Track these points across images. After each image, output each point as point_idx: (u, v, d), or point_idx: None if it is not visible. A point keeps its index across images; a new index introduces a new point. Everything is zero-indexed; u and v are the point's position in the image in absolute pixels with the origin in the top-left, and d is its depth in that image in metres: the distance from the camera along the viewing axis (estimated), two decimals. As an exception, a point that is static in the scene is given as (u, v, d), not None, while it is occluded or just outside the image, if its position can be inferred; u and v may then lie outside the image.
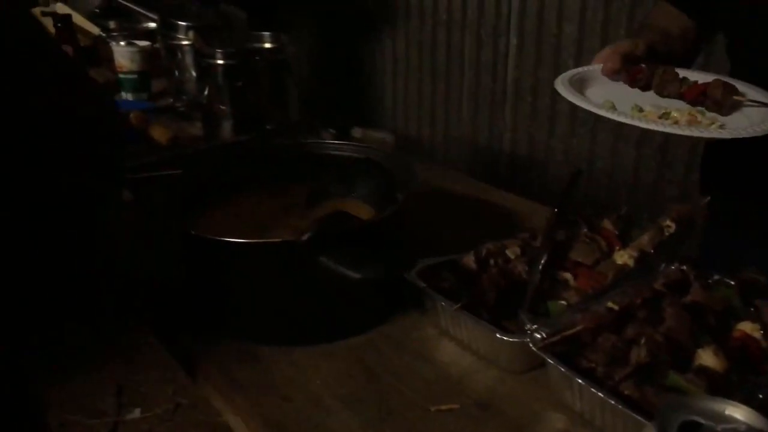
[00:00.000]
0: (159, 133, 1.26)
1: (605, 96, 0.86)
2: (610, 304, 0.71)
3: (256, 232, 0.88)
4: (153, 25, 1.77)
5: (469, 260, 0.82)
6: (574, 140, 1.99)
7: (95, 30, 1.58)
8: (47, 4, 1.88)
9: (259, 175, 0.96)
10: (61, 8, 1.50)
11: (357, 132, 1.25)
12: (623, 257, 0.82)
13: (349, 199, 0.94)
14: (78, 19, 1.62)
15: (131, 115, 1.31)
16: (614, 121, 0.78)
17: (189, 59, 1.44)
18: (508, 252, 0.83)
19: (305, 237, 0.71)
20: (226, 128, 1.31)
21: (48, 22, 1.76)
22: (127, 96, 1.54)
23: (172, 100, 1.46)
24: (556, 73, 2.05)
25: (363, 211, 0.91)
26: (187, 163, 1.03)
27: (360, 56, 2.52)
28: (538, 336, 0.67)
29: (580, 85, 0.89)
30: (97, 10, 1.91)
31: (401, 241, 0.84)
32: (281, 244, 0.75)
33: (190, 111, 1.43)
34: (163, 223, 0.88)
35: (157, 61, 1.60)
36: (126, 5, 1.67)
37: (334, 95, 2.52)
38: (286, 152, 0.99)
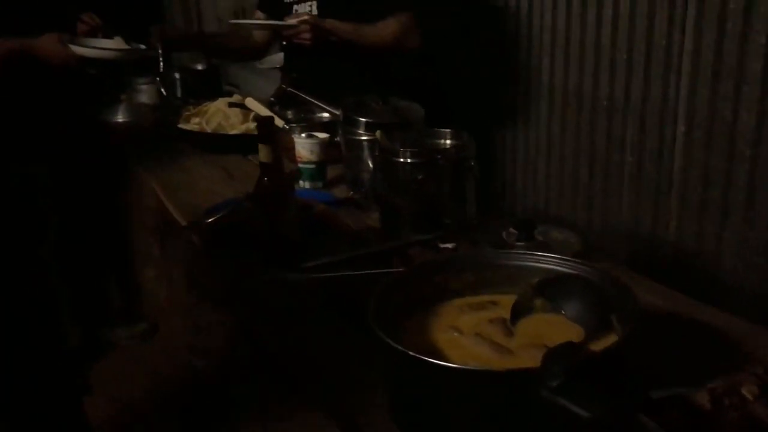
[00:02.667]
0: (344, 228, 1.30)
1: None
2: None
3: (458, 347, 0.87)
4: (326, 115, 1.87)
5: (703, 398, 0.76)
6: (751, 233, 1.86)
7: (280, 123, 1.67)
8: (231, 95, 2.03)
9: (463, 284, 0.96)
10: (251, 103, 1.61)
11: (541, 233, 1.22)
12: None
13: (557, 315, 0.91)
14: (257, 107, 1.73)
15: (317, 209, 1.36)
16: None
17: (367, 153, 1.49)
18: (744, 391, 0.77)
19: (539, 369, 0.69)
20: (406, 223, 1.33)
21: (234, 113, 1.90)
22: (304, 184, 1.61)
23: (352, 192, 1.51)
24: (730, 163, 1.96)
25: (573, 331, 0.88)
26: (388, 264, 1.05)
27: (515, 140, 2.52)
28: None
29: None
30: (272, 99, 2.04)
31: (622, 372, 0.79)
32: (509, 374, 0.73)
33: (367, 203, 1.46)
34: (371, 334, 0.88)
35: (332, 151, 1.67)
36: (304, 97, 1.77)
37: (493, 180, 2.52)
38: (488, 261, 0.98)
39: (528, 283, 0.93)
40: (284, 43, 2.48)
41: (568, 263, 0.93)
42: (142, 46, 2.17)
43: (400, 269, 1.10)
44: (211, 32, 2.52)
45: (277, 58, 2.52)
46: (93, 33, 2.31)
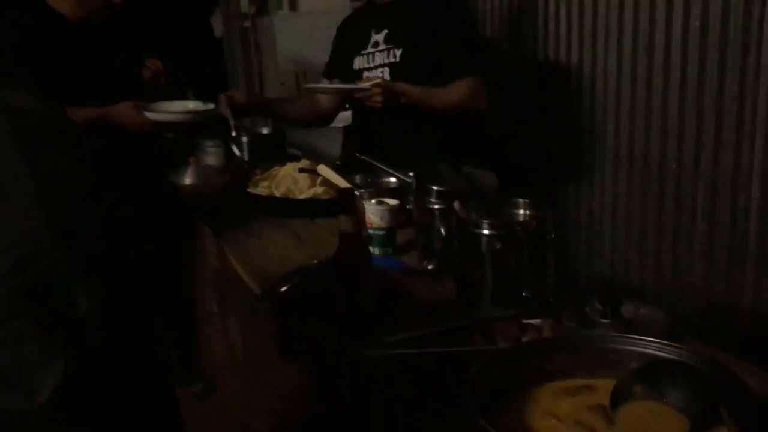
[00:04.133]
0: (422, 300, 1.28)
1: None
2: None
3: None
4: (393, 180, 1.88)
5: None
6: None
7: (344, 184, 1.68)
8: (299, 159, 2.06)
9: (557, 366, 0.93)
10: (323, 170, 1.63)
11: (627, 311, 1.19)
12: None
13: (659, 404, 0.87)
14: (330, 175, 1.74)
15: (393, 279, 1.35)
16: None
17: (440, 221, 1.48)
18: None
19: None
20: (484, 295, 1.30)
21: (302, 178, 1.93)
22: (374, 251, 1.60)
23: (425, 262, 1.50)
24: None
25: (677, 421, 0.84)
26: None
27: (578, 204, 2.49)
28: None
29: None
30: (338, 162, 2.06)
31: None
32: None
33: (441, 273, 1.45)
34: (467, 417, 0.85)
35: (401, 217, 1.67)
36: (376, 165, 1.78)
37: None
38: (584, 344, 0.95)
39: (627, 368, 0.90)
40: (347, 105, 2.53)
41: (670, 348, 0.90)
42: (212, 105, 2.22)
43: (489, 347, 1.08)
44: (277, 98, 2.58)
45: (340, 118, 2.56)
46: (156, 79, 2.39)
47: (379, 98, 1.91)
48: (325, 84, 2.13)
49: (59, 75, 2.15)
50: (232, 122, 2.11)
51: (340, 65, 2.29)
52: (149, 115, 2.10)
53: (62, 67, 2.16)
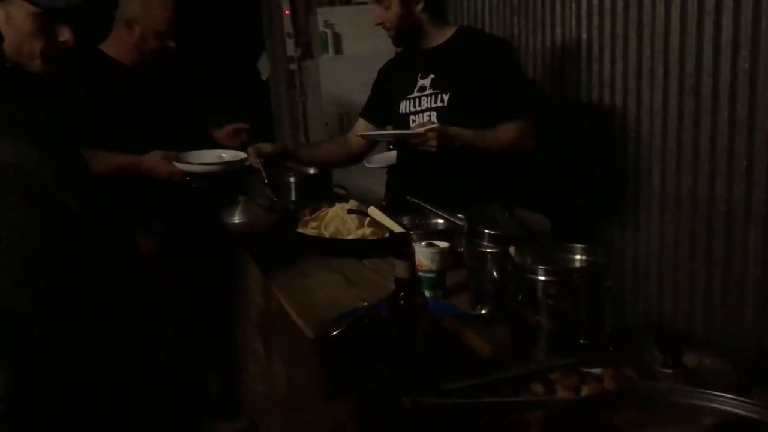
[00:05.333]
0: (478, 346, 1.27)
1: None
2: None
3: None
4: (441, 221, 1.89)
5: None
6: None
7: (398, 228, 1.69)
8: (345, 198, 2.09)
9: (625, 421, 0.91)
10: (374, 213, 1.64)
11: (690, 359, 1.17)
12: None
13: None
14: (381, 218, 1.75)
15: (447, 323, 1.34)
16: None
17: (493, 265, 1.48)
18: None
19: None
20: (540, 341, 1.29)
21: (351, 219, 1.94)
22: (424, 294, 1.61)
23: (478, 306, 1.49)
24: None
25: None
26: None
27: (624, 245, 2.46)
28: None
29: None
30: (384, 203, 2.08)
31: None
32: None
33: (494, 318, 1.44)
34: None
35: (451, 259, 1.67)
36: (422, 205, 1.79)
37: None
38: (655, 397, 0.93)
39: (700, 425, 0.88)
40: (391, 146, 2.56)
41: (744, 404, 0.88)
42: (242, 155, 2.24)
43: (550, 398, 1.06)
44: (304, 144, 2.63)
45: (385, 157, 2.58)
46: (237, 134, 2.44)
47: (434, 142, 1.92)
48: (379, 131, 2.15)
49: (108, 119, 2.22)
50: (264, 173, 2.15)
51: (380, 108, 2.33)
52: (179, 165, 2.13)
53: (112, 111, 2.23)
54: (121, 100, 2.27)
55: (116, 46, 2.31)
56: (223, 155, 2.26)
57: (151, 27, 2.25)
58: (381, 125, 2.30)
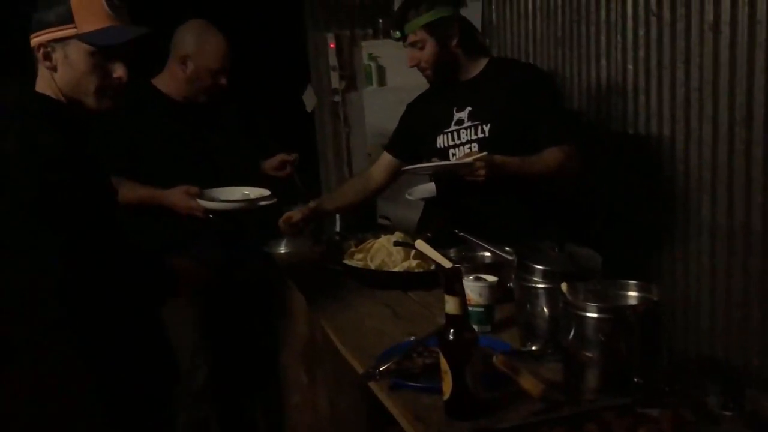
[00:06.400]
0: (530, 384, 1.26)
1: None
2: None
3: None
4: (488, 254, 1.88)
5: None
6: None
7: (447, 263, 1.69)
8: (389, 229, 2.10)
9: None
10: (422, 246, 1.64)
11: (750, 400, 1.13)
12: None
13: None
14: (429, 251, 1.75)
15: (495, 359, 1.33)
16: None
17: (544, 301, 1.47)
18: None
19: None
20: (591, 379, 1.27)
21: (397, 251, 1.95)
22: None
23: (529, 342, 1.48)
24: None
25: None
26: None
27: (673, 279, 2.41)
28: None
29: None
30: (429, 234, 2.08)
31: None
32: None
33: (544, 353, 1.43)
34: None
35: (500, 294, 1.66)
36: (470, 239, 1.79)
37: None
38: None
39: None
40: (432, 179, 2.56)
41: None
42: (267, 192, 2.25)
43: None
44: (326, 197, 2.63)
45: (426, 189, 2.58)
46: (282, 166, 2.48)
47: (482, 171, 1.91)
48: (423, 163, 2.15)
49: (155, 152, 2.26)
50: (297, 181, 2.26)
51: (407, 142, 2.32)
52: (202, 202, 2.14)
53: (159, 145, 2.27)
54: (169, 134, 2.31)
55: (168, 81, 2.36)
56: (246, 192, 2.26)
57: (204, 64, 2.29)
58: (406, 160, 2.27)
